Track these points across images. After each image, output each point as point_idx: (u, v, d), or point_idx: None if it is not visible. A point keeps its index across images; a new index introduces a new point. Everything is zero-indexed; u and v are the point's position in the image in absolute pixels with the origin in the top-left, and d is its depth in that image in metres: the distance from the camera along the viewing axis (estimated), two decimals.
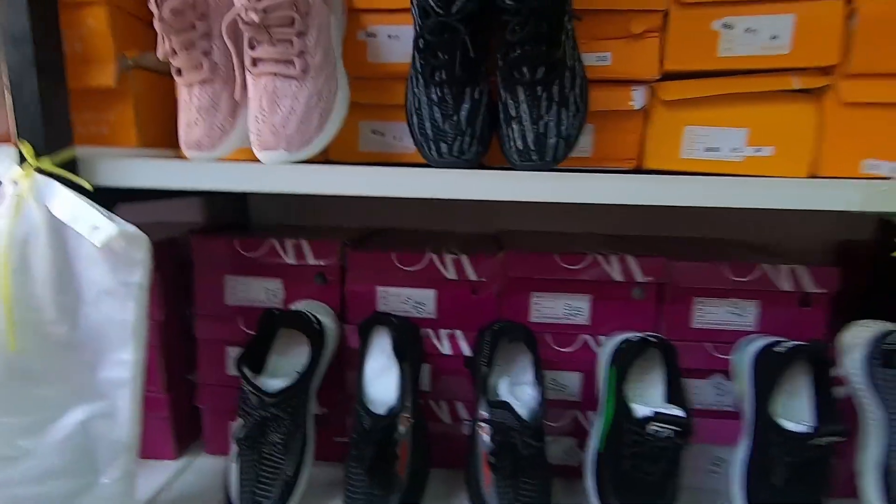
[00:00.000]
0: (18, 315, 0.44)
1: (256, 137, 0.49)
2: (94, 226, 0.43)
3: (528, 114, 0.48)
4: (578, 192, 0.45)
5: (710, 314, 0.63)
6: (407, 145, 0.62)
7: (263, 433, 0.54)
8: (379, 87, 0.60)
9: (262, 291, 0.67)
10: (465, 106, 0.49)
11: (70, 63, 0.62)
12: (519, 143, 0.48)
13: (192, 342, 0.69)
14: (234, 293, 0.68)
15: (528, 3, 0.43)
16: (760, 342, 0.59)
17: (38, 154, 0.45)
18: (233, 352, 0.69)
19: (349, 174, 0.48)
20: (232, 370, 0.69)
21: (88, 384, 0.47)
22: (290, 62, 0.49)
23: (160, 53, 0.51)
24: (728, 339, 0.63)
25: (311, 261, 0.65)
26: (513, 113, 0.48)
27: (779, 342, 0.57)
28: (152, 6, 0.49)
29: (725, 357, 0.63)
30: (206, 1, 0.50)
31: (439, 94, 0.49)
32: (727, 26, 0.55)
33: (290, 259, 0.65)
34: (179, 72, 0.52)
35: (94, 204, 0.45)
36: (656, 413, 0.50)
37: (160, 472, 0.68)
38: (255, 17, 0.46)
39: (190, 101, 0.52)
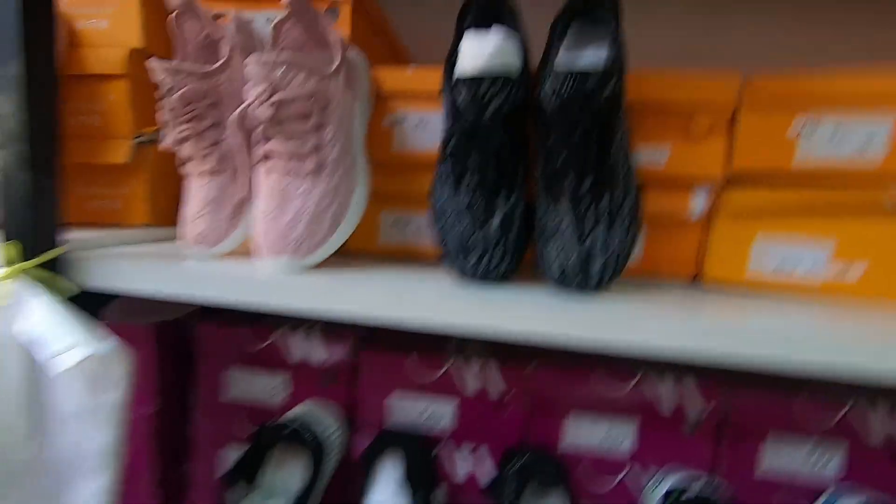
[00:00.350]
0: None
1: (262, 240, 0.44)
2: (65, 346, 0.38)
3: (572, 230, 0.41)
4: (627, 338, 0.37)
5: (784, 458, 0.52)
6: (431, 240, 0.56)
7: None
8: (404, 176, 0.55)
9: (267, 388, 0.61)
10: (498, 215, 0.43)
11: (86, 136, 0.60)
12: (559, 265, 0.41)
13: (186, 436, 0.64)
14: (238, 387, 0.62)
15: (576, 112, 0.37)
16: (855, 501, 0.48)
17: (25, 256, 0.41)
18: (230, 452, 0.63)
19: (362, 293, 0.41)
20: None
21: None
22: (303, 158, 0.44)
23: (168, 142, 0.47)
24: (803, 490, 0.52)
25: (321, 358, 0.59)
26: (553, 227, 0.42)
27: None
28: (160, 94, 0.45)
29: None
30: (218, 89, 0.46)
31: (468, 200, 0.43)
32: (807, 131, 0.48)
33: (297, 356, 0.59)
34: (185, 161, 0.48)
35: (73, 316, 0.41)
36: None
37: None
38: (266, 113, 0.41)
39: (196, 192, 0.48)
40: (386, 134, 0.54)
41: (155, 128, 0.60)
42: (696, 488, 0.48)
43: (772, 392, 0.52)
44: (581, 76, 0.36)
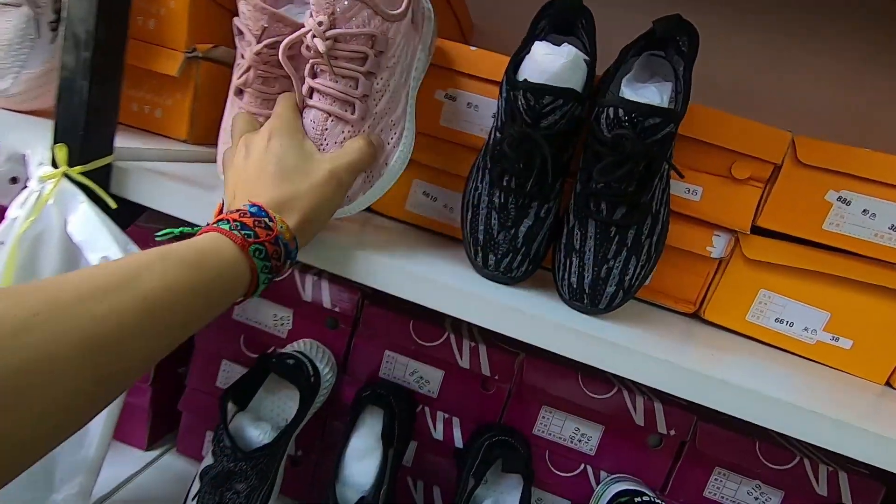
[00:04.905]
0: None
1: None
2: (105, 257, 0.40)
3: (594, 252, 0.42)
4: (614, 364, 0.40)
5: (728, 489, 0.57)
6: (457, 218, 0.57)
7: (228, 480, 0.52)
8: (445, 152, 0.55)
9: (271, 317, 0.64)
10: (528, 222, 0.44)
11: (139, 39, 0.59)
12: (574, 280, 0.43)
13: (189, 342, 0.68)
14: (243, 310, 0.65)
15: (630, 146, 0.38)
16: None
17: (73, 161, 0.42)
18: (227, 366, 0.67)
19: (375, 262, 0.43)
20: (221, 384, 0.67)
21: None
22: (348, 103, 0.43)
23: (238, 79, 0.46)
24: None
25: (327, 303, 0.62)
26: (576, 245, 0.43)
27: None
28: (248, 34, 0.45)
29: None
30: (297, 42, 0.46)
31: (502, 199, 0.44)
32: (843, 201, 0.48)
33: (306, 296, 0.62)
34: (241, 94, 0.48)
35: (113, 224, 0.43)
36: None
37: (127, 462, 0.67)
38: (320, 46, 0.40)
39: None
40: (436, 106, 0.54)
41: (209, 45, 0.59)
42: (644, 498, 0.52)
43: (734, 429, 0.55)
44: (642, 113, 0.37)
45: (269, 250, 0.33)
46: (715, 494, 0.58)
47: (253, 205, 0.35)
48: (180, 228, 0.33)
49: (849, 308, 0.51)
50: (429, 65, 0.52)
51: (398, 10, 0.42)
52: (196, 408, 0.68)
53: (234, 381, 0.56)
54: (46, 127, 0.43)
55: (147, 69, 0.59)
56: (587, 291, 0.43)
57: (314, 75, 0.43)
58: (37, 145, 0.44)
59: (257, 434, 0.54)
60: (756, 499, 0.57)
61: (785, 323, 0.52)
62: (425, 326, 0.60)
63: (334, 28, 0.40)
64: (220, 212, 0.40)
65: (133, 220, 0.49)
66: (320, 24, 0.40)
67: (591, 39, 0.44)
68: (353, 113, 0.43)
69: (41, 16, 0.50)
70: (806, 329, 0.52)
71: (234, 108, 0.49)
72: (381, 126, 0.45)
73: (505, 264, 0.44)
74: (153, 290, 0.27)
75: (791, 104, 0.79)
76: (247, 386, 0.57)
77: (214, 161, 0.53)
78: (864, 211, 0.48)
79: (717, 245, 0.52)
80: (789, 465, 0.54)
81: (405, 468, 0.64)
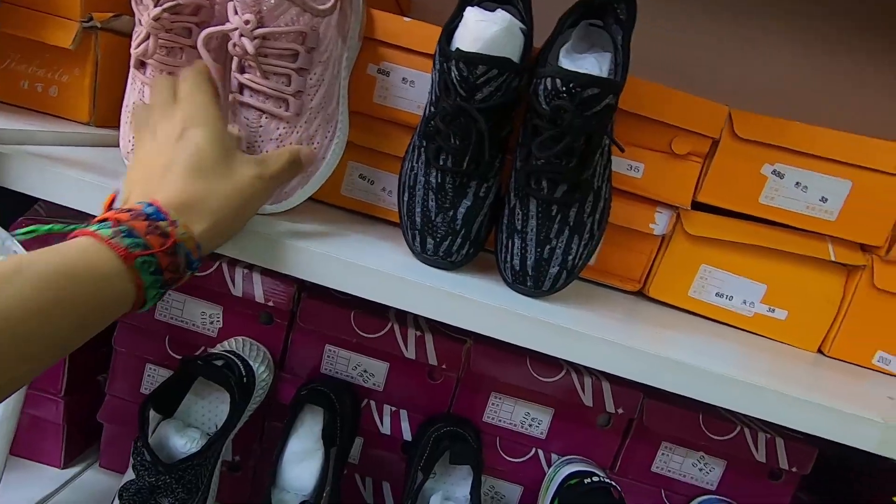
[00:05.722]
0: None
1: None
2: None
3: (536, 232, 0.41)
4: (561, 348, 0.39)
5: (674, 462, 0.58)
6: (395, 201, 0.54)
7: (152, 495, 0.47)
8: (380, 131, 0.52)
9: (199, 315, 0.59)
10: (466, 202, 0.42)
11: (27, 3, 0.52)
12: (516, 262, 0.41)
13: (107, 347, 0.61)
14: (168, 309, 0.59)
15: (569, 118, 0.36)
16: None
17: None
18: (152, 371, 0.61)
19: (312, 254, 0.40)
20: (147, 390, 0.62)
21: None
22: (282, 100, 0.40)
23: (136, 49, 0.41)
24: (686, 491, 0.58)
25: (260, 298, 0.57)
26: (518, 225, 0.41)
27: None
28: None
29: None
30: (212, 8, 0.41)
31: (439, 180, 0.42)
32: (778, 174, 0.49)
33: (236, 291, 0.57)
34: (143, 66, 0.43)
35: None
36: None
37: (41, 482, 0.61)
38: (249, 47, 0.37)
39: None
40: (369, 82, 0.51)
41: (110, 14, 0.53)
42: (594, 479, 0.52)
43: (678, 404, 0.56)
44: (580, 83, 0.35)
45: (161, 263, 0.29)
46: (662, 469, 0.58)
47: (150, 204, 0.30)
48: (48, 226, 0.28)
49: (784, 280, 0.52)
50: (358, 50, 0.49)
51: (327, 5, 0.39)
52: (119, 418, 0.62)
53: (155, 388, 0.51)
54: None
55: (38, 41, 0.52)
56: (530, 273, 0.41)
57: (242, 70, 0.40)
58: None
59: (183, 443, 0.49)
60: (700, 469, 0.58)
61: (725, 297, 0.53)
62: (367, 318, 0.56)
63: (262, 27, 0.37)
64: (110, 206, 0.34)
65: (21, 212, 0.43)
66: (247, 22, 0.37)
67: (527, 6, 0.42)
68: (287, 110, 0.41)
69: None
70: (744, 302, 0.53)
71: (136, 84, 0.44)
72: (318, 121, 0.43)
73: (444, 248, 0.42)
74: (8, 311, 0.22)
75: (731, 79, 0.79)
76: (171, 392, 0.52)
77: (118, 145, 0.48)
78: (797, 184, 0.49)
79: (660, 222, 0.52)
80: (730, 436, 0.55)
81: (352, 466, 0.61)
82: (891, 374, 0.52)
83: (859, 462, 0.65)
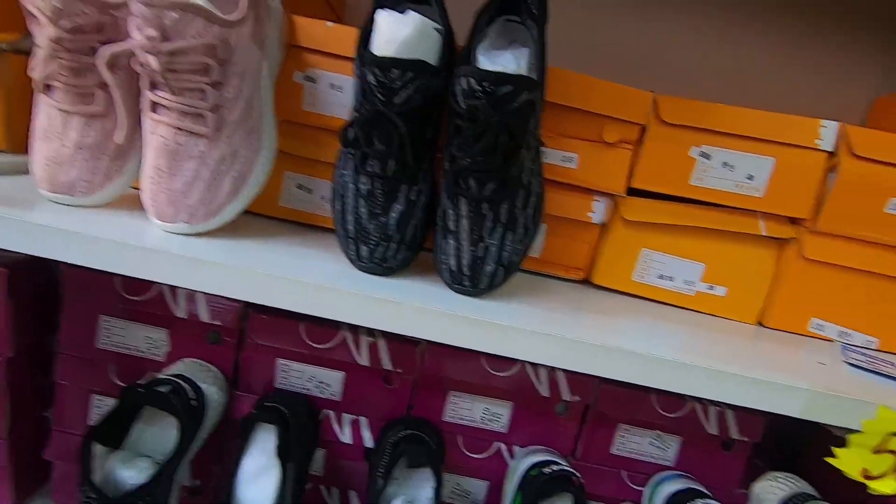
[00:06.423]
0: None
1: (151, 203, 0.40)
2: None
3: (469, 232, 0.41)
4: (507, 347, 0.39)
5: (632, 443, 0.59)
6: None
7: None
8: (312, 139, 0.51)
9: (142, 340, 0.58)
10: (398, 207, 0.41)
11: None
12: (452, 263, 0.41)
13: (50, 381, 0.59)
14: (109, 336, 0.57)
15: (486, 115, 0.36)
16: (676, 485, 0.56)
17: None
18: (99, 402, 0.59)
19: (248, 272, 0.39)
20: (94, 421, 0.59)
21: None
22: (199, 116, 0.39)
23: (37, 73, 0.39)
24: (645, 470, 0.60)
25: (206, 317, 0.56)
26: (451, 226, 0.41)
27: (695, 492, 0.54)
28: (41, 16, 0.37)
29: (639, 488, 0.60)
30: (116, 24, 0.39)
31: (369, 186, 0.41)
32: (705, 155, 0.50)
33: (180, 312, 0.56)
34: (49, 89, 0.41)
35: None
36: None
37: None
38: (154, 63, 0.36)
39: (64, 133, 0.41)
40: (296, 90, 0.50)
41: (15, 36, 0.50)
42: (555, 467, 0.52)
43: (629, 388, 0.57)
44: (496, 80, 0.35)
45: None
46: (621, 450, 0.59)
47: None
48: None
49: (720, 257, 0.53)
50: (282, 58, 0.48)
51: (236, 16, 0.38)
52: (68, 454, 0.60)
53: (96, 420, 0.49)
54: None
55: None
56: (466, 273, 0.41)
57: (153, 86, 0.38)
58: None
59: (132, 475, 0.48)
60: (658, 448, 0.59)
61: (666, 278, 0.54)
62: (318, 328, 0.56)
63: (167, 41, 0.36)
64: None
65: None
66: (150, 38, 0.35)
67: (440, 4, 0.42)
68: (205, 125, 0.39)
69: None
70: (685, 282, 0.54)
71: (45, 108, 0.42)
72: (240, 134, 0.42)
73: (379, 254, 0.41)
74: None
75: (657, 64, 0.81)
76: (116, 422, 0.51)
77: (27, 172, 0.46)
78: (724, 164, 0.50)
79: (598, 210, 0.52)
80: (683, 412, 0.57)
81: (317, 477, 0.60)
82: (826, 340, 0.54)
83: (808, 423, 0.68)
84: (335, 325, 0.56)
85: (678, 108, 0.49)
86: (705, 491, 0.55)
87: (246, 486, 0.50)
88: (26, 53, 0.52)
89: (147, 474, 0.48)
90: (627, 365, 0.40)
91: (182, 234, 0.41)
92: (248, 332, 0.57)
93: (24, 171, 0.50)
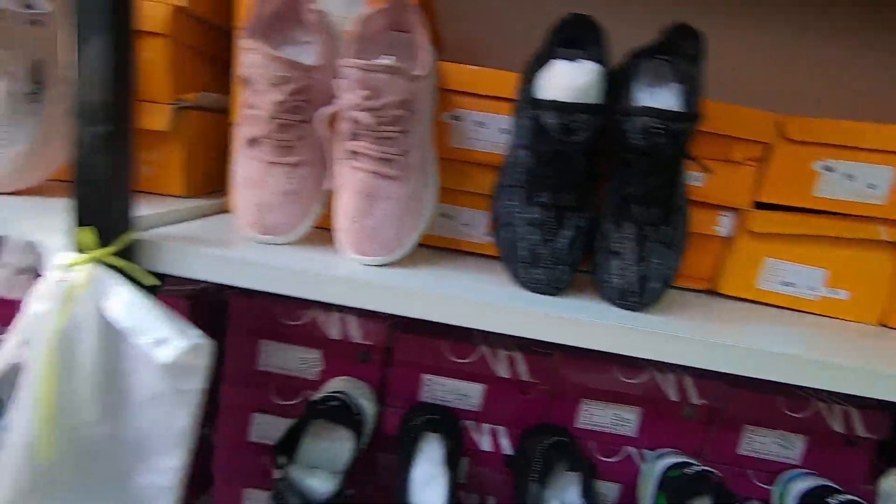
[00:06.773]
0: (57, 418, 0.39)
1: (350, 240, 0.45)
2: (158, 339, 0.38)
3: (634, 253, 0.45)
4: (672, 354, 0.43)
5: (757, 443, 0.62)
6: (475, 234, 0.58)
7: None
8: (457, 171, 0.56)
9: (297, 361, 0.63)
10: (567, 233, 0.46)
11: None
12: (618, 282, 0.45)
13: (213, 399, 0.65)
14: (268, 358, 0.63)
15: (661, 150, 0.40)
16: (807, 483, 0.59)
17: (100, 240, 0.40)
18: (257, 418, 0.65)
19: (433, 297, 0.43)
20: (254, 437, 0.65)
21: (121, 492, 0.43)
22: (391, 161, 0.45)
23: (256, 131, 0.45)
24: (771, 468, 0.62)
25: (357, 338, 0.61)
26: (616, 248, 0.46)
27: (828, 489, 0.57)
28: (263, 85, 0.43)
29: (765, 486, 0.62)
30: (311, 86, 0.45)
31: (540, 216, 0.46)
32: (828, 168, 0.54)
33: (333, 334, 0.61)
34: (254, 143, 0.47)
35: (156, 305, 0.41)
36: None
37: None
38: (365, 119, 0.41)
39: (265, 181, 0.47)
40: (445, 128, 0.55)
41: (195, 93, 0.57)
42: (694, 468, 0.56)
43: (754, 390, 0.60)
44: (673, 118, 0.39)
45: None
46: (747, 450, 0.62)
47: None
48: None
49: (843, 263, 0.56)
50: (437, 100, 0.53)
51: (421, 72, 0.43)
52: (231, 469, 0.66)
53: (283, 433, 0.54)
54: (43, 208, 0.40)
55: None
56: (634, 290, 0.45)
57: (354, 137, 0.44)
58: (46, 230, 0.41)
59: (317, 483, 0.53)
60: (783, 447, 0.62)
61: (790, 285, 0.57)
62: (459, 345, 0.60)
63: (377, 98, 0.41)
64: None
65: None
66: (363, 98, 0.41)
67: (605, 47, 0.46)
68: (396, 169, 0.45)
69: (17, 88, 0.46)
70: (809, 287, 0.57)
71: (248, 161, 0.48)
72: (418, 174, 0.47)
73: (552, 277, 0.46)
74: None
75: (772, 87, 0.82)
76: (294, 437, 0.56)
77: (216, 213, 0.52)
78: (847, 175, 0.54)
79: (724, 224, 0.56)
80: (808, 412, 0.60)
81: (460, 485, 0.65)
82: None
83: None
84: (473, 342, 0.61)
85: (803, 126, 0.53)
86: (838, 487, 0.58)
87: (417, 494, 0.55)
88: (204, 109, 0.59)
89: (331, 484, 0.53)
90: (766, 364, 0.43)
91: (376, 266, 0.46)
92: (395, 351, 0.62)
93: (200, 215, 0.56)
